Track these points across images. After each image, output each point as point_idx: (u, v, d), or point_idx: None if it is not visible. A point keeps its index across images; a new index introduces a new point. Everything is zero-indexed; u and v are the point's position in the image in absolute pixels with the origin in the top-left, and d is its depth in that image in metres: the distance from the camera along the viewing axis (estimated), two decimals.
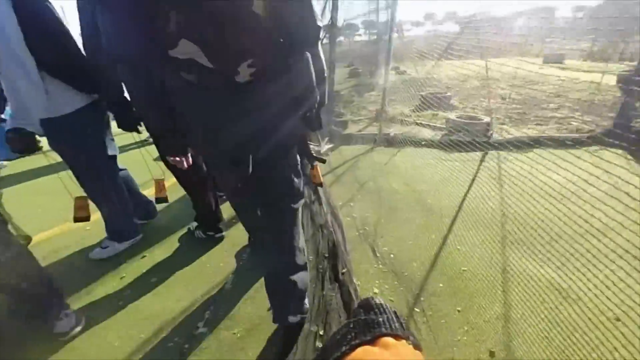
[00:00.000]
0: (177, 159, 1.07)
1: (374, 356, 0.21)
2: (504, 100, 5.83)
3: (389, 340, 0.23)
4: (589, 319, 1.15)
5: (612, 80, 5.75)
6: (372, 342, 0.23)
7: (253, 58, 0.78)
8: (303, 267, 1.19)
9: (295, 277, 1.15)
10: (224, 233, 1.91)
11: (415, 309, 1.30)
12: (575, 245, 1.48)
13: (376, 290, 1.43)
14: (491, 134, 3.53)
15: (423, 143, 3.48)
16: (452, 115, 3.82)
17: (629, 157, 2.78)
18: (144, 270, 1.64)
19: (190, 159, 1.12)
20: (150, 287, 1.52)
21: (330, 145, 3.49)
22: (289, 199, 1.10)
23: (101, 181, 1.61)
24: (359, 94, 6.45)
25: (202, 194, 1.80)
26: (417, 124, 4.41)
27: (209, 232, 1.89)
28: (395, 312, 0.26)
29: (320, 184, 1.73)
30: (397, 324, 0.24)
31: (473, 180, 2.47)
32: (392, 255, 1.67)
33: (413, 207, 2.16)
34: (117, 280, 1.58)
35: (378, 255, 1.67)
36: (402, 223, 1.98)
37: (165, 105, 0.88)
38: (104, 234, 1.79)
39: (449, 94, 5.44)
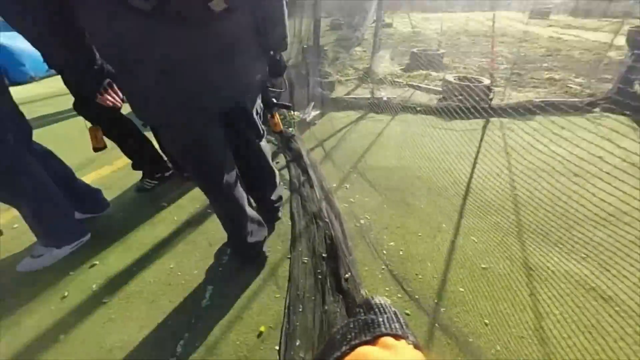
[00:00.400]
0: (107, 96, 1.03)
1: (374, 356, 0.21)
2: (496, 60, 5.49)
3: (389, 340, 0.23)
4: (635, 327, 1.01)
5: (598, 37, 5.55)
6: (372, 342, 0.23)
7: None
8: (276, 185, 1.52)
9: (274, 196, 1.51)
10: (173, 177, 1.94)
11: (437, 325, 1.10)
12: (599, 234, 1.33)
13: (388, 302, 1.20)
14: (491, 99, 3.25)
15: (419, 109, 3.15)
16: (449, 77, 3.45)
17: (635, 125, 2.65)
18: (94, 286, 1.28)
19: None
20: (102, 310, 1.18)
21: (317, 112, 3.06)
22: (255, 136, 1.19)
23: (9, 175, 1.15)
24: (345, 50, 5.79)
25: (135, 138, 1.73)
26: (409, 85, 4.01)
27: (157, 174, 1.88)
28: (395, 312, 0.26)
29: (281, 132, 1.71)
30: (397, 324, 0.24)
31: (477, 154, 2.23)
32: (400, 252, 1.43)
33: (416, 188, 1.90)
34: (57, 301, 1.22)
35: (384, 253, 1.42)
36: (406, 209, 1.72)
37: (73, 28, 0.76)
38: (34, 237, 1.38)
39: (441, 51, 4.98)
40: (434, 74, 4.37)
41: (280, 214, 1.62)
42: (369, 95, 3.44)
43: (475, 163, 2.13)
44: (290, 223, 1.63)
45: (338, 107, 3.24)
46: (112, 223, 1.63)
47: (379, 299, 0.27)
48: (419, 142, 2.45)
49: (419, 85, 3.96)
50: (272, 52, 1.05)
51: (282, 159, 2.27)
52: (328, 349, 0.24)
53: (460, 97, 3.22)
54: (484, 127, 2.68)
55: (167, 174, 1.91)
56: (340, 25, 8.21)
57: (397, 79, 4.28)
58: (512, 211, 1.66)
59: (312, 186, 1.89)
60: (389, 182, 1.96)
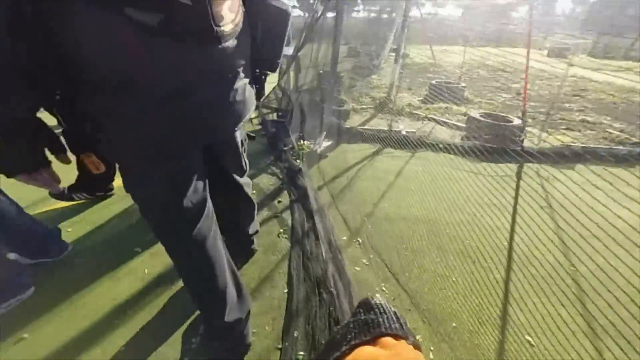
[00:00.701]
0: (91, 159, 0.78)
1: (374, 356, 0.21)
2: (519, 96, 5.24)
3: (389, 340, 0.23)
4: None
5: (626, 78, 5.27)
6: (372, 342, 0.23)
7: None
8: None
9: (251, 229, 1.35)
10: None
11: None
12: None
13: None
14: (522, 140, 2.93)
15: (440, 146, 2.84)
16: (474, 113, 3.17)
17: None
18: None
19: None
20: None
21: (330, 143, 2.78)
22: (239, 171, 1.08)
23: None
24: (360, 77, 5.66)
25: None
26: (428, 118, 3.75)
27: (99, 192, 1.76)
28: (395, 312, 0.26)
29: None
30: (397, 324, 0.24)
31: (515, 208, 1.87)
32: (430, 356, 1.05)
33: (446, 251, 1.54)
34: None
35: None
36: (435, 282, 1.36)
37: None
38: None
39: (462, 84, 4.76)
40: (455, 107, 4.11)
41: (255, 246, 1.45)
42: (386, 128, 3.17)
43: (514, 220, 1.77)
44: (286, 290, 1.28)
45: (352, 139, 2.96)
46: (63, 274, 1.31)
47: (379, 299, 0.27)
48: (444, 187, 2.12)
49: (439, 119, 3.69)
50: (263, 75, 0.95)
51: (285, 197, 1.96)
52: (328, 349, 0.24)
53: (487, 137, 2.93)
54: (518, 174, 2.34)
55: (109, 193, 1.84)
56: (358, 53, 8.20)
57: (415, 111, 4.04)
58: (576, 294, 1.28)
59: (317, 237, 1.56)
60: (412, 239, 1.62)
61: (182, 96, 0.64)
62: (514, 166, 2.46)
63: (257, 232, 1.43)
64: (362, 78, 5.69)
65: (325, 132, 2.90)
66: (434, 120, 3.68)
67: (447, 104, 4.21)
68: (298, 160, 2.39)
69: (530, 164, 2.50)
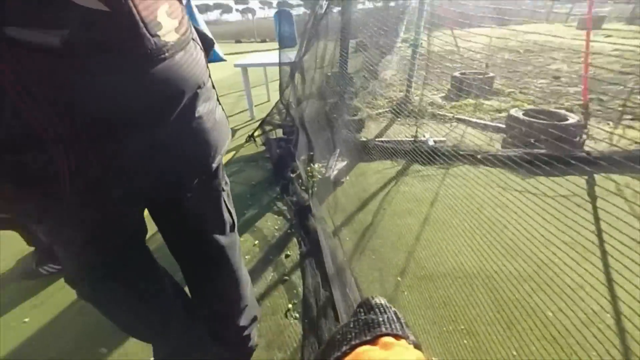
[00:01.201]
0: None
1: (374, 356, 0.21)
2: (558, 81, 4.57)
3: (389, 340, 0.22)
4: None
5: None
6: (372, 342, 0.22)
7: (170, 3, 0.50)
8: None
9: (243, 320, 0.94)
10: None
11: None
12: None
13: None
14: (583, 142, 2.39)
15: (479, 157, 2.36)
16: (515, 111, 2.65)
17: None
18: None
19: None
20: None
21: (344, 163, 2.38)
22: (220, 231, 0.79)
23: None
24: (372, 75, 5.18)
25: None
26: (457, 120, 3.24)
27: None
28: (395, 312, 0.26)
29: None
30: (397, 324, 0.24)
31: (604, 252, 1.39)
32: None
33: (519, 328, 1.11)
34: None
35: None
36: None
37: None
38: None
39: (490, 73, 4.18)
40: (486, 103, 3.57)
41: (252, 342, 1.01)
42: (408, 137, 2.71)
43: (608, 268, 1.30)
44: None
45: (370, 155, 2.53)
46: None
47: (379, 299, 0.27)
48: (495, 218, 1.66)
49: (470, 119, 3.18)
50: None
51: (294, 248, 1.59)
52: (328, 349, 0.24)
53: (533, 140, 2.41)
54: (591, 194, 1.84)
55: None
56: (366, 47, 7.68)
57: (439, 111, 3.54)
58: None
59: (337, 317, 1.17)
60: (465, 310, 1.19)
61: (109, 139, 0.48)
62: (579, 179, 1.95)
63: (255, 320, 1.04)
64: (375, 76, 5.21)
65: (338, 151, 2.49)
66: (464, 121, 3.17)
67: (475, 99, 3.66)
68: (310, 190, 2.01)
69: (601, 175, 1.99)
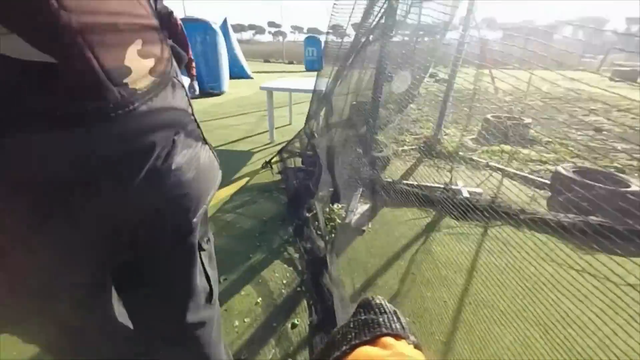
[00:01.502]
0: None
1: (374, 356, 0.21)
2: (600, 134, 4.26)
3: (389, 340, 0.22)
4: None
5: None
6: (372, 342, 0.22)
7: (143, 38, 0.42)
8: None
9: None
10: None
11: None
12: None
13: None
14: None
15: (522, 217, 2.06)
16: (563, 169, 2.36)
17: None
18: None
19: None
20: None
21: (367, 207, 2.13)
22: (191, 308, 0.60)
23: None
24: (397, 108, 5.03)
25: None
26: (491, 167, 2.97)
27: None
28: (395, 312, 0.25)
29: None
30: (397, 324, 0.24)
31: None
32: None
33: None
34: None
35: None
36: None
37: None
38: None
39: (527, 120, 3.92)
40: (523, 152, 3.29)
41: None
42: (438, 184, 2.46)
43: None
44: None
45: (396, 199, 2.28)
46: None
47: (379, 299, 0.26)
48: (555, 303, 1.34)
49: (506, 169, 2.90)
50: None
51: (303, 314, 1.32)
52: (328, 349, 0.23)
53: (587, 206, 2.09)
54: None
55: None
56: (391, 79, 7.64)
57: (470, 154, 3.29)
58: None
59: None
60: None
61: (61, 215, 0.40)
62: None
63: None
64: (401, 110, 5.06)
65: (360, 190, 2.26)
66: (500, 170, 2.89)
67: (514, 147, 3.40)
68: (327, 237, 1.76)
69: None
